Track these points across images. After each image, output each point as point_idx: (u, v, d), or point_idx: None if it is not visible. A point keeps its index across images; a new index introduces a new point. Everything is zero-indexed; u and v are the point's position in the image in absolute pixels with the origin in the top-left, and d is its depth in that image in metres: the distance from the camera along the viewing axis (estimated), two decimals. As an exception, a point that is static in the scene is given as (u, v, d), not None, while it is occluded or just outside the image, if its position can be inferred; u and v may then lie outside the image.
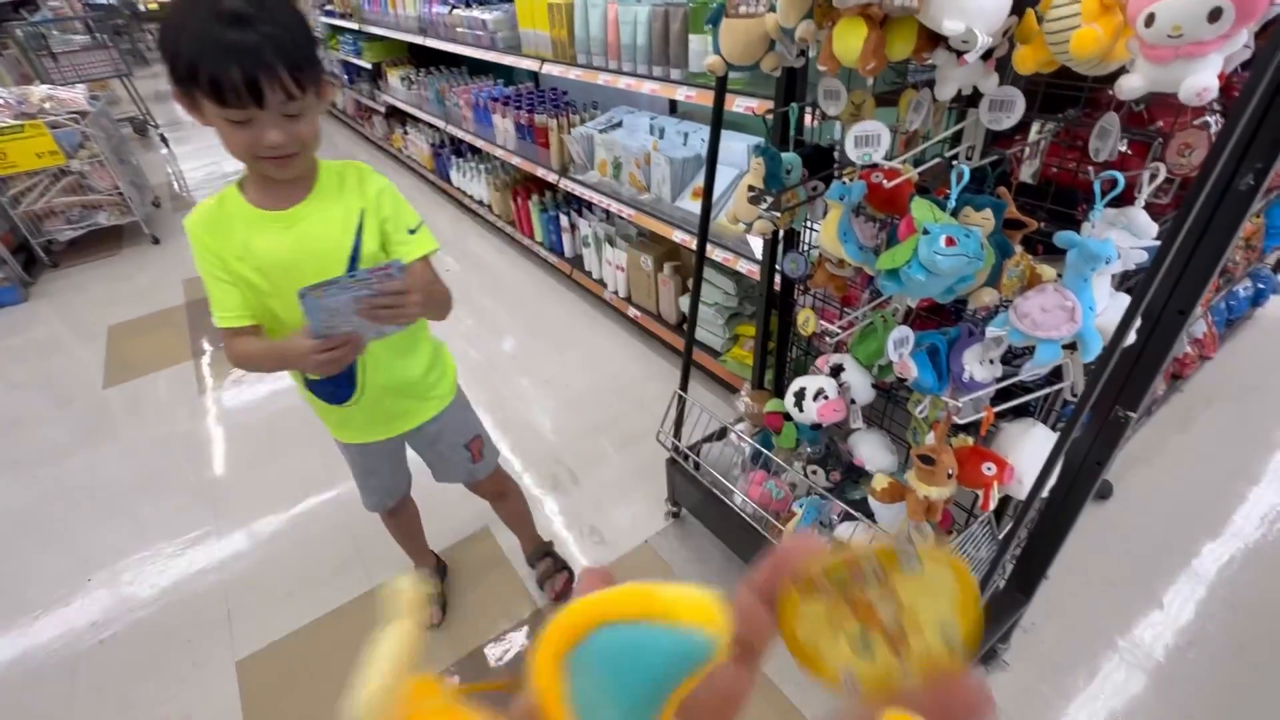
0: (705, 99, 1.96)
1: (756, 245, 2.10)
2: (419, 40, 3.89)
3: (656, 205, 2.44)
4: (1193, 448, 2.11)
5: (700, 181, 2.33)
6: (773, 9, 1.01)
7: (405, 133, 5.04)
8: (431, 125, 4.40)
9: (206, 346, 3.05)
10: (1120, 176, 0.79)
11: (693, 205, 2.29)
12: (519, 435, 2.36)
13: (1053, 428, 1.19)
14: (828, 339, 1.33)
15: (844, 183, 1.14)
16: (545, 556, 1.79)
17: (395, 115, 5.25)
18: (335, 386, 1.22)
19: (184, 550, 1.99)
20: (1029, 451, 1.12)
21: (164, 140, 6.39)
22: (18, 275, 3.64)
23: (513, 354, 2.87)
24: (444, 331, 1.37)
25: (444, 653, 1.65)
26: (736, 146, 2.20)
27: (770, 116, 1.35)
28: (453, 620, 1.73)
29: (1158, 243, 0.86)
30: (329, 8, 5.70)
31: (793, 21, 0.98)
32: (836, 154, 1.36)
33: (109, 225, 4.05)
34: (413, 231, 1.14)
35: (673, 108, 3.03)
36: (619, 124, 2.76)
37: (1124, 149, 1.01)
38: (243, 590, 1.85)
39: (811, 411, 1.32)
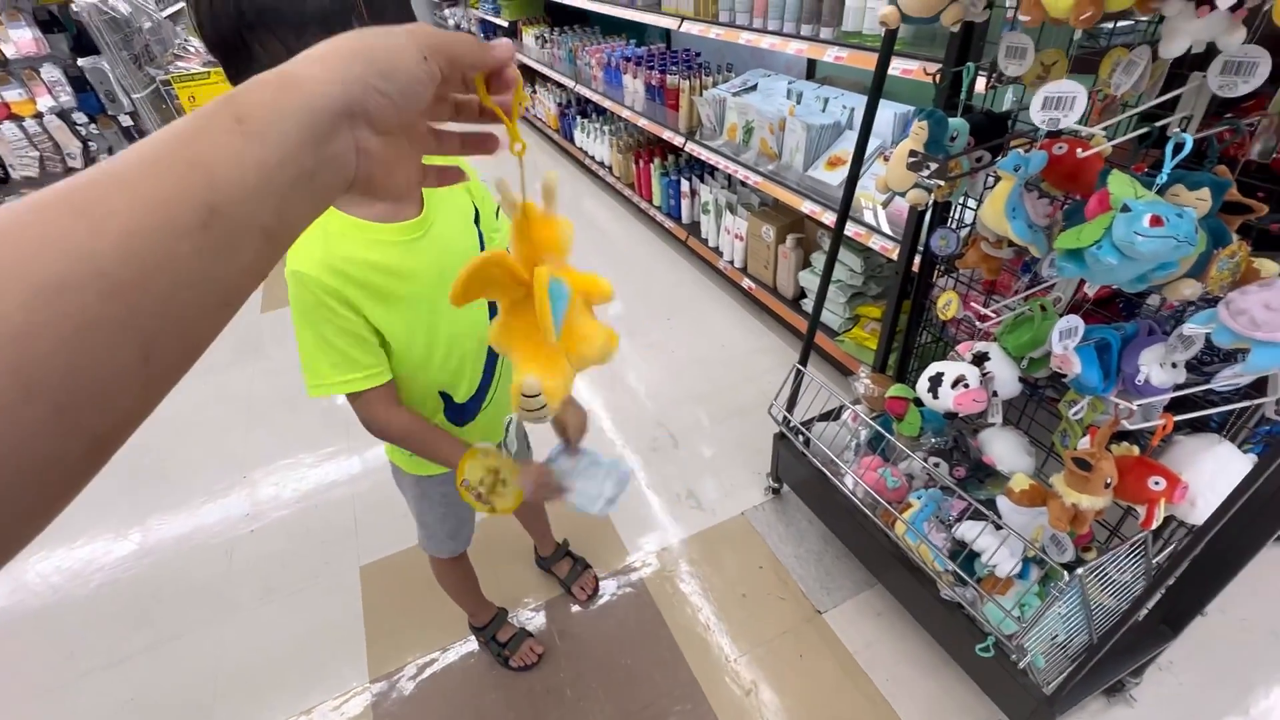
0: (857, 60, 1.84)
1: (884, 220, 1.98)
2: (557, -3, 3.93)
3: (785, 173, 2.35)
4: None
5: (837, 150, 2.21)
6: (967, -48, 0.92)
7: (533, 91, 5.16)
8: (560, 85, 4.47)
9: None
10: (1405, 153, 0.65)
11: (826, 175, 2.18)
12: (619, 397, 2.40)
13: (1239, 447, 1.04)
14: (978, 324, 1.23)
15: (1020, 152, 1.04)
16: (565, 556, 1.74)
17: (524, 74, 5.37)
18: (474, 402, 1.11)
19: (320, 463, 2.21)
20: (1209, 470, 0.99)
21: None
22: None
23: (618, 315, 2.90)
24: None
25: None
26: (881, 115, 2.05)
27: (939, 78, 1.24)
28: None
29: None
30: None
31: (991, -34, 0.88)
32: (1010, 123, 1.24)
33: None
34: (497, 216, 1.07)
35: (810, 72, 2.89)
36: (753, 87, 2.66)
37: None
38: (367, 504, 2.03)
39: (948, 399, 1.23)
